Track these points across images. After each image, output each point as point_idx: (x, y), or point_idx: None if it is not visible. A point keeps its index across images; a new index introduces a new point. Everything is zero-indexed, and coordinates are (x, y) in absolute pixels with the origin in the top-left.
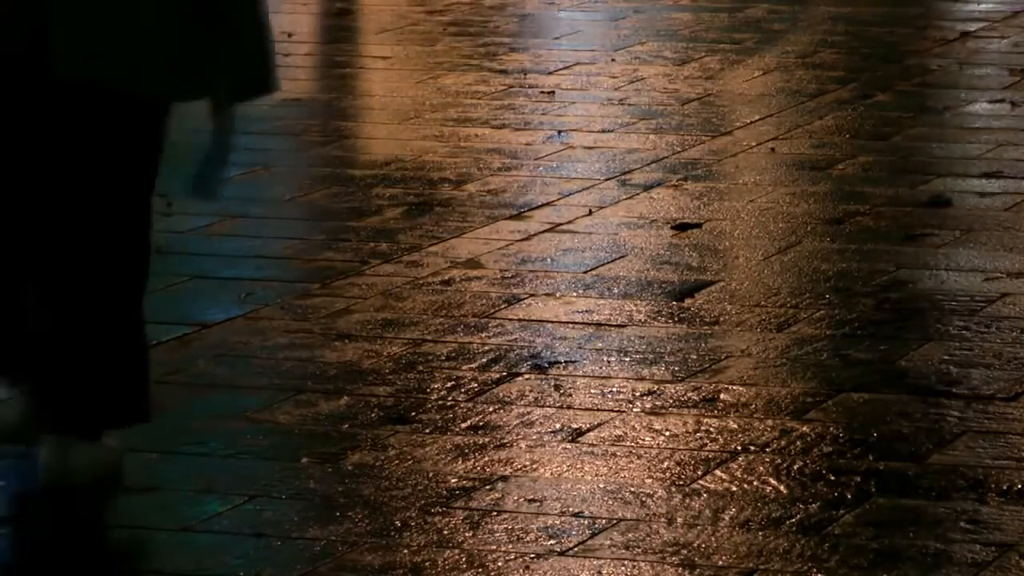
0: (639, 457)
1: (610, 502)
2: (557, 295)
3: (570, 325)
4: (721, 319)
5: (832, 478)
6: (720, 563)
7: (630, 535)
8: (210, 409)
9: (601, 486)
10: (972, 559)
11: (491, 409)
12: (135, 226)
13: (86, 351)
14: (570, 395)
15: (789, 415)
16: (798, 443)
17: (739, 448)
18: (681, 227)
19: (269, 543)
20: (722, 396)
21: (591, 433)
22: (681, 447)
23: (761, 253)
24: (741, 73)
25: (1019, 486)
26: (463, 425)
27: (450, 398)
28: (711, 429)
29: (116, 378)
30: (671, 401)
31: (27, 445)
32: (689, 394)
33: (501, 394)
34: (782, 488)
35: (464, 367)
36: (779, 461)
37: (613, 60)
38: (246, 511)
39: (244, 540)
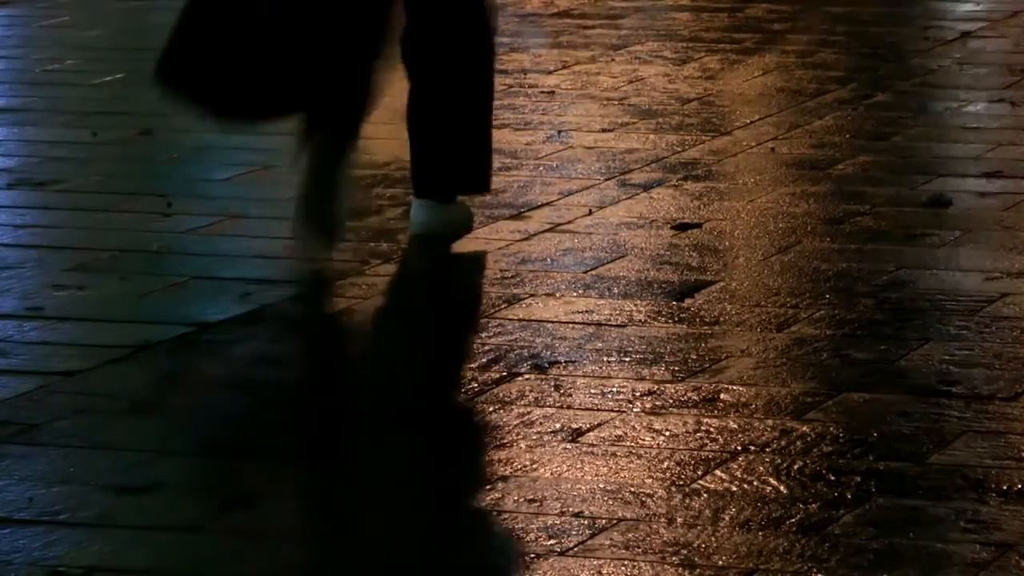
0: (639, 457)
1: (610, 502)
2: (557, 295)
3: (570, 325)
4: (721, 319)
5: (832, 478)
6: (720, 563)
7: (630, 535)
8: (210, 409)
9: (601, 486)
10: (972, 559)
11: (491, 409)
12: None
13: (453, 135)
14: (570, 395)
15: (789, 415)
16: (798, 443)
17: (739, 448)
18: (681, 227)
19: (269, 543)
20: (722, 396)
21: (591, 433)
22: (681, 447)
23: (761, 253)
24: (741, 73)
25: (1019, 486)
26: (463, 425)
27: (450, 398)
28: (711, 429)
29: (471, 154)
30: (671, 401)
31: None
32: (689, 394)
33: (501, 394)
34: (782, 488)
35: (464, 367)
36: (779, 461)
37: (613, 60)
38: (246, 511)
39: (243, 540)
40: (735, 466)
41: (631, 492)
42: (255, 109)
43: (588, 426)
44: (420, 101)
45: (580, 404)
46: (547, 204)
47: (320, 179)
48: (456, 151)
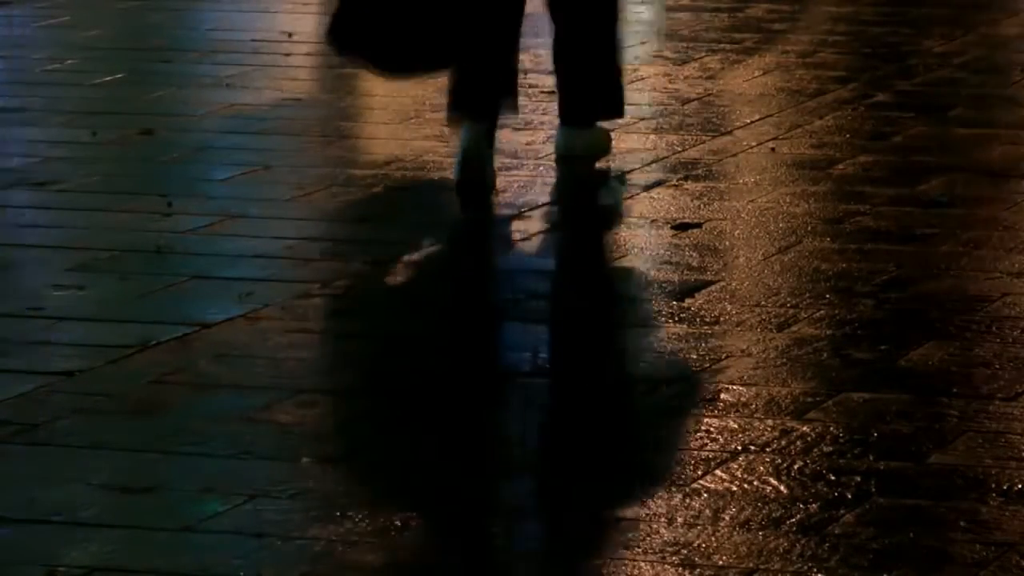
0: (639, 457)
1: (610, 502)
2: (557, 295)
3: (569, 325)
4: (721, 319)
5: (832, 478)
6: (720, 563)
7: (630, 535)
8: (210, 409)
9: (601, 486)
10: (972, 559)
11: (492, 409)
12: None
13: (592, 66)
14: (570, 395)
15: (789, 415)
16: (798, 443)
17: (739, 448)
18: (681, 227)
19: (269, 543)
20: (722, 396)
21: (591, 433)
22: (681, 447)
23: (761, 253)
24: (741, 73)
25: (1019, 486)
26: (464, 425)
27: (450, 398)
28: (711, 429)
29: (608, 83)
30: (671, 401)
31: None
32: (689, 394)
33: (502, 394)
34: (782, 488)
35: (465, 367)
36: (779, 461)
37: None
38: (246, 511)
39: (244, 540)
40: (735, 466)
41: (631, 492)
42: (413, 64)
43: (588, 426)
44: (566, 44)
45: (580, 404)
46: (547, 204)
47: (474, 150)
48: (595, 84)
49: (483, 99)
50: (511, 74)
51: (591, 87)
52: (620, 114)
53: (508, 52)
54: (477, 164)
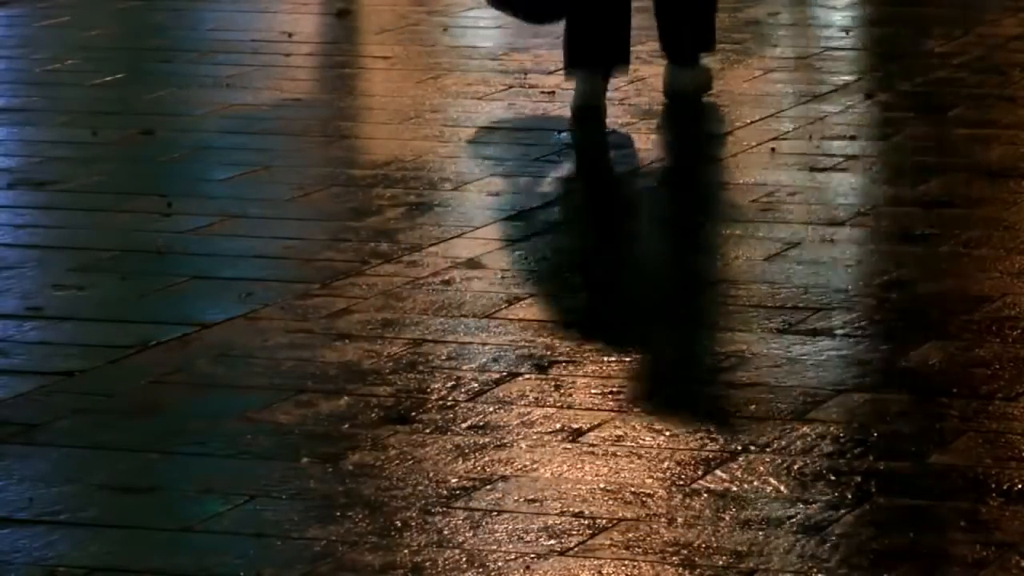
0: (639, 457)
1: (610, 502)
2: (557, 295)
3: (570, 325)
4: (721, 319)
5: (832, 478)
6: (720, 563)
7: (630, 535)
8: (210, 409)
9: (601, 486)
10: (972, 559)
11: (491, 409)
12: None
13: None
14: (570, 395)
15: (789, 415)
16: (798, 443)
17: (739, 448)
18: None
19: (269, 543)
20: (722, 396)
21: (591, 433)
22: (681, 447)
23: (761, 253)
24: (741, 73)
25: (1019, 486)
26: (463, 425)
27: (450, 398)
28: (711, 429)
29: (706, 23)
30: (671, 401)
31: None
32: (689, 394)
33: (501, 394)
34: (782, 488)
35: (464, 367)
36: (779, 461)
37: None
38: (246, 511)
39: (244, 540)
40: (735, 466)
41: (631, 492)
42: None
43: (588, 426)
44: None
45: (580, 404)
46: (547, 204)
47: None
48: (696, 25)
49: (597, 52)
50: (624, 28)
51: (693, 28)
52: (712, 49)
53: (621, 7)
54: (591, 114)
